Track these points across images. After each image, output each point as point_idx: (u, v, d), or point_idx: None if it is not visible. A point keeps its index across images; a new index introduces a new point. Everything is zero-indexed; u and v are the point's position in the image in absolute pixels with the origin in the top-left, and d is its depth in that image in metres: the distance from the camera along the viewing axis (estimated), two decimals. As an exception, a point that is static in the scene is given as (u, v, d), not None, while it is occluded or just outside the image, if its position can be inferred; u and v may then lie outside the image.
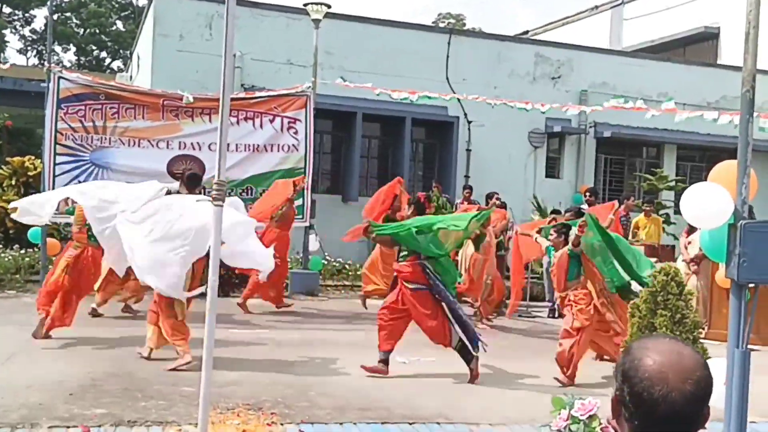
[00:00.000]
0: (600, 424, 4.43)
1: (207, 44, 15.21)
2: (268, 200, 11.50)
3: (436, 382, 7.53)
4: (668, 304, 6.39)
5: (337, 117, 16.69)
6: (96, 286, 9.54)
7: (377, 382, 7.33)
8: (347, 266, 14.59)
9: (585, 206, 12.59)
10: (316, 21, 13.14)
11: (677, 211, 13.37)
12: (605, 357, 8.51)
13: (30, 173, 14.96)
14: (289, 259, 13.80)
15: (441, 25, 41.60)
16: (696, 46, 24.95)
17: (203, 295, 5.76)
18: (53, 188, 11.17)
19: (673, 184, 17.13)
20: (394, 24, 17.68)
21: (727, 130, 13.55)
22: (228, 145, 6.08)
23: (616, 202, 11.14)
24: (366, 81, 14.59)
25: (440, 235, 7.50)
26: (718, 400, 4.44)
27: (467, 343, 7.40)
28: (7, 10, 44.87)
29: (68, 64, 42.68)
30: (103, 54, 47.58)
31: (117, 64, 45.17)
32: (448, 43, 17.54)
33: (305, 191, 12.16)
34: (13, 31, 46.39)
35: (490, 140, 17.52)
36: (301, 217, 11.95)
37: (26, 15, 46.16)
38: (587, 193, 13.01)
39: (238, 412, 6.01)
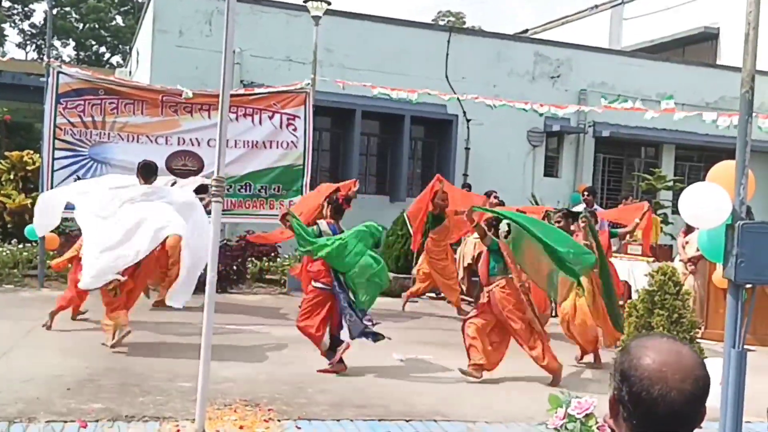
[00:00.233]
0: (596, 422, 4.45)
1: (206, 40, 15.19)
2: (311, 201, 11.53)
3: (433, 380, 7.54)
4: (665, 304, 6.40)
5: (336, 114, 16.69)
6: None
7: (375, 380, 7.35)
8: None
9: (581, 206, 12.60)
10: (316, 18, 13.13)
11: (675, 211, 13.38)
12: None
13: (29, 168, 14.94)
14: (286, 256, 13.84)
15: (441, 23, 41.58)
16: (695, 47, 24.96)
17: (202, 290, 5.76)
18: (52, 183, 11.17)
19: (671, 184, 17.15)
20: (394, 22, 17.66)
21: (725, 131, 13.56)
22: (227, 141, 6.10)
23: (646, 203, 10.98)
24: (365, 78, 14.58)
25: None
26: (713, 400, 4.46)
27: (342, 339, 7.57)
28: (6, 3, 44.77)
29: (67, 59, 42.61)
30: (103, 49, 47.52)
31: (116, 59, 45.16)
32: (448, 42, 17.54)
33: (304, 189, 12.15)
34: (13, 25, 46.31)
35: (489, 139, 17.53)
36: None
37: (25, 9, 46.07)
38: (585, 193, 13.02)
39: (235, 408, 6.02)
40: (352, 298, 7.60)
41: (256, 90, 12.93)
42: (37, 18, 46.58)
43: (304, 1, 13.41)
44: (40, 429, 5.30)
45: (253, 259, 13.21)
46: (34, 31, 46.69)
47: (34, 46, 46.92)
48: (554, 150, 18.87)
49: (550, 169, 18.74)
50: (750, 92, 4.60)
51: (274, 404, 6.21)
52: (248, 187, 12.03)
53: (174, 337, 8.60)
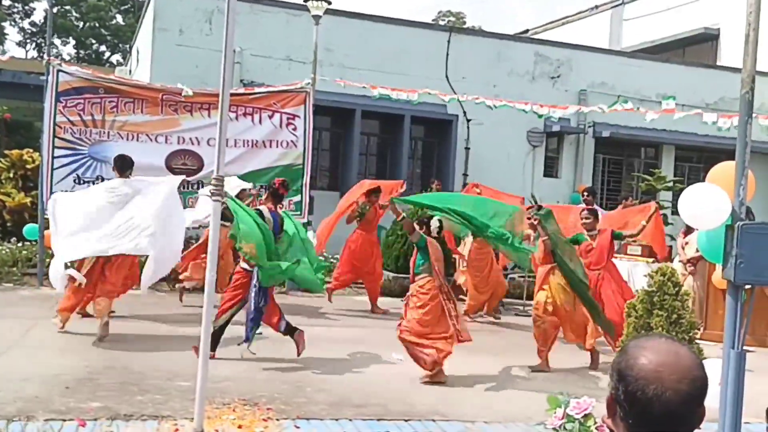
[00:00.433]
0: (595, 423, 4.45)
1: (207, 39, 15.19)
2: (350, 196, 11.70)
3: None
4: (665, 305, 6.41)
5: (336, 114, 16.69)
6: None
7: (374, 379, 7.34)
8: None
9: (581, 206, 12.57)
10: (317, 17, 13.13)
11: (675, 212, 13.37)
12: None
13: (28, 166, 14.94)
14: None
15: (441, 23, 41.58)
16: (696, 47, 24.97)
17: (201, 290, 5.76)
18: (51, 182, 11.15)
19: (671, 184, 17.15)
20: (394, 21, 17.66)
21: (725, 132, 13.56)
22: (227, 140, 6.10)
23: (653, 204, 10.65)
24: (365, 78, 14.58)
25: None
26: (712, 401, 4.46)
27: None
28: (6, 2, 44.78)
29: (67, 58, 42.64)
30: (103, 47, 47.53)
31: (116, 57, 45.14)
32: (448, 41, 17.55)
33: (303, 188, 12.16)
34: (13, 23, 46.31)
35: (489, 139, 17.54)
36: (299, 213, 11.94)
37: (26, 7, 46.07)
38: (585, 193, 13.00)
39: (234, 407, 6.02)
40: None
41: (256, 89, 12.92)
42: (38, 16, 46.65)
43: (304, 1, 13.41)
44: (38, 427, 5.30)
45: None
46: (34, 29, 46.71)
47: (34, 44, 46.95)
48: (554, 150, 18.88)
49: (550, 169, 18.75)
50: (750, 93, 4.60)
51: (273, 403, 6.21)
52: (247, 187, 12.01)
53: (173, 336, 8.59)
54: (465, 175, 17.36)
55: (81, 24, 45.85)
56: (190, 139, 11.72)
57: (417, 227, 7.57)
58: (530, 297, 12.68)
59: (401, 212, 7.85)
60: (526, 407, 6.45)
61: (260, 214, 7.67)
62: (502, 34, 20.01)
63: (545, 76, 18.34)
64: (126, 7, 45.89)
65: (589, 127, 18.66)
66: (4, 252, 12.63)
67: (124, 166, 8.81)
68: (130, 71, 20.73)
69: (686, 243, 11.10)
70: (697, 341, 6.63)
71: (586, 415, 4.52)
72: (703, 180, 5.14)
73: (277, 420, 5.80)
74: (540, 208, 8.57)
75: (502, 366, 8.06)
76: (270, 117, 12.15)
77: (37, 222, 11.89)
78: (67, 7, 44.55)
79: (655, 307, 6.43)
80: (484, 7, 66.71)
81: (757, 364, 7.87)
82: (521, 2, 70.39)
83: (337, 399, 6.52)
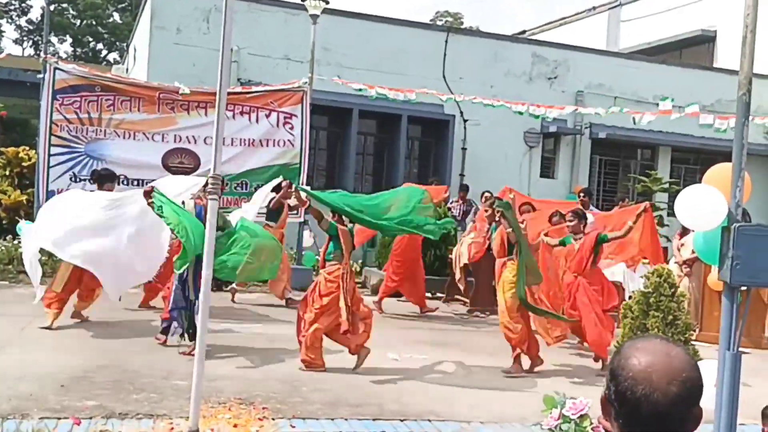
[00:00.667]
0: (591, 423, 4.45)
1: (204, 38, 15.17)
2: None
3: (428, 380, 7.54)
4: (660, 306, 6.42)
5: (333, 113, 16.69)
6: None
7: (370, 379, 7.34)
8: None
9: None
10: (314, 17, 13.12)
11: (671, 213, 13.42)
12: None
13: (24, 164, 14.92)
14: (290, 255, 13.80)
15: (439, 23, 41.59)
16: (693, 49, 25.00)
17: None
18: (47, 179, 11.13)
19: (667, 186, 17.17)
20: (392, 21, 17.66)
21: (721, 133, 13.58)
22: (223, 139, 6.09)
23: (646, 204, 10.45)
24: (363, 78, 14.58)
25: None
26: (708, 402, 4.46)
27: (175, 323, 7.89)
28: (3, -1, 44.73)
29: (64, 55, 42.55)
30: (100, 46, 47.46)
31: (113, 56, 45.06)
32: (446, 42, 17.55)
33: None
34: (9, 20, 46.23)
35: (486, 139, 17.55)
36: (295, 213, 11.93)
37: (23, 5, 46.01)
38: (581, 194, 13.01)
39: (229, 406, 6.01)
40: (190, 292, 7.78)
41: (254, 88, 12.91)
42: (35, 14, 46.65)
43: (302, 0, 13.40)
44: (33, 426, 5.28)
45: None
46: (31, 27, 46.63)
47: (31, 42, 46.87)
48: (551, 151, 18.89)
49: (547, 170, 18.76)
50: (747, 95, 4.60)
51: (269, 403, 6.20)
52: (245, 185, 12.01)
53: (169, 335, 8.57)
54: (462, 175, 17.37)
55: (78, 22, 45.77)
56: (187, 137, 11.71)
57: (328, 216, 7.71)
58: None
59: (307, 201, 7.96)
60: (522, 407, 6.46)
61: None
62: (500, 35, 20.02)
63: (542, 76, 18.35)
64: (123, 5, 45.81)
65: (586, 128, 18.67)
66: (-1, 250, 12.61)
67: (102, 180, 9.11)
68: (127, 69, 20.70)
69: (682, 244, 11.13)
70: (692, 342, 6.64)
71: (582, 416, 4.52)
72: (700, 182, 5.14)
73: (273, 419, 5.80)
74: (499, 199, 8.57)
75: (497, 366, 8.06)
76: (267, 116, 12.14)
77: (33, 220, 11.85)
78: (64, 5, 44.49)
79: (651, 309, 6.45)
80: (482, 7, 66.77)
81: (752, 366, 7.89)
82: (519, 3, 70.46)
83: (333, 398, 6.52)
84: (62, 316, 8.94)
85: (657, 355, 1.62)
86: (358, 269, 14.13)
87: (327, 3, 13.24)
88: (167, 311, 8.04)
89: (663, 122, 15.61)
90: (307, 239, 13.36)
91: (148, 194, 7.85)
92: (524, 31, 29.33)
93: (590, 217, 9.12)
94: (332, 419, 5.95)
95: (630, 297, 8.06)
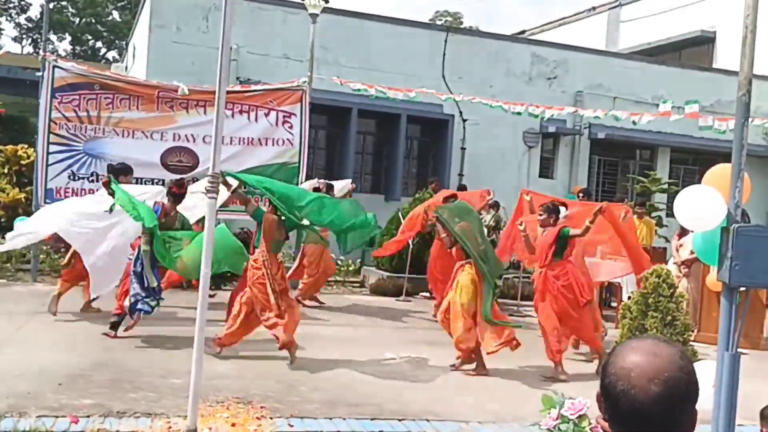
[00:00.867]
0: (589, 423, 4.45)
1: (203, 36, 15.16)
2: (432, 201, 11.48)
3: (427, 379, 7.54)
4: (659, 306, 6.43)
5: (332, 112, 16.67)
6: None
7: (368, 378, 7.34)
8: (339, 262, 14.57)
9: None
10: (314, 16, 13.11)
11: (669, 214, 13.41)
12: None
13: (23, 162, 14.90)
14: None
15: (438, 22, 41.58)
16: (692, 50, 25.01)
17: (195, 287, 5.75)
18: (46, 178, 11.13)
19: (666, 186, 17.18)
20: (391, 21, 17.65)
21: (720, 134, 13.59)
22: (223, 138, 6.08)
23: (628, 208, 10.37)
24: (362, 77, 14.58)
25: None
26: (706, 403, 4.47)
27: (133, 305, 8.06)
28: (2, -3, 44.66)
29: (63, 53, 42.52)
30: (99, 44, 47.41)
31: (112, 54, 45.04)
32: (445, 41, 17.54)
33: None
34: (9, 18, 46.17)
35: (485, 139, 17.54)
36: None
37: (22, 3, 45.97)
38: (580, 194, 13.02)
39: (227, 405, 6.01)
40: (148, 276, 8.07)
41: (253, 87, 12.89)
42: (34, 12, 46.56)
43: (301, -1, 13.40)
44: (30, 424, 5.28)
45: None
46: (30, 24, 46.56)
47: (30, 40, 46.82)
48: (549, 151, 18.89)
49: (546, 170, 18.76)
50: (747, 96, 4.61)
51: (267, 402, 6.20)
52: (242, 184, 11.98)
53: (166, 334, 8.57)
54: (461, 175, 17.36)
55: (77, 20, 45.73)
56: (186, 136, 11.69)
57: (254, 201, 8.06)
58: (524, 297, 12.73)
59: (232, 185, 8.08)
60: (520, 407, 6.46)
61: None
62: (499, 35, 20.02)
63: (542, 76, 18.35)
64: (122, 3, 45.76)
65: (585, 128, 18.66)
66: (-3, 248, 12.58)
67: (117, 173, 9.20)
68: (126, 68, 20.68)
69: (681, 245, 11.13)
70: (691, 343, 6.65)
71: (580, 416, 4.51)
72: (699, 182, 5.14)
73: (271, 418, 5.79)
74: (448, 199, 8.53)
75: (496, 365, 8.05)
76: (266, 115, 12.13)
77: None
78: (64, 3, 44.45)
79: (649, 309, 6.46)
80: (482, 7, 66.78)
81: (749, 367, 7.89)
82: (518, 3, 70.48)
83: (331, 398, 6.52)
84: (63, 317, 8.94)
85: (643, 353, 1.63)
86: (356, 268, 14.14)
87: (327, 2, 13.24)
88: (120, 306, 8.29)
89: (662, 123, 15.62)
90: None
91: (107, 185, 8.34)
92: (524, 31, 29.33)
93: (563, 211, 8.94)
94: (330, 419, 5.95)
95: (629, 297, 8.02)
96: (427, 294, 12.52)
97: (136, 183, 10.50)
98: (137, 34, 18.95)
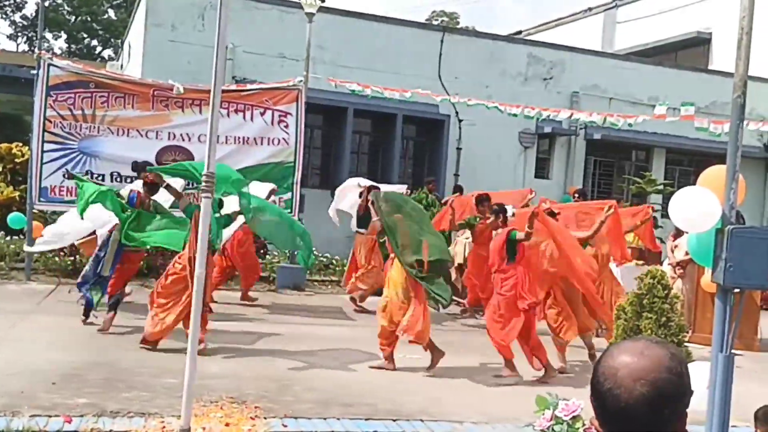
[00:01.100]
0: (583, 425, 4.45)
1: (199, 35, 15.13)
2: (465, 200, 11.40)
3: (421, 379, 7.53)
4: (654, 307, 6.43)
5: (328, 112, 16.66)
6: None
7: (362, 378, 7.33)
8: (334, 261, 14.57)
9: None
10: (310, 15, 13.10)
11: (665, 215, 13.42)
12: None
13: (17, 160, 14.85)
14: (275, 253, 13.79)
15: (434, 22, 41.58)
16: (688, 51, 25.05)
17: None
18: (40, 176, 11.11)
19: (661, 187, 17.20)
20: (387, 20, 17.64)
21: (716, 136, 13.60)
22: (218, 137, 6.07)
23: (612, 203, 10.26)
24: (358, 77, 14.57)
25: None
26: (700, 404, 4.46)
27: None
28: (-3, -5, 44.55)
29: (59, 52, 42.38)
30: (94, 42, 47.28)
31: (108, 52, 44.93)
32: (441, 41, 17.53)
33: (294, 186, 12.12)
34: (4, 16, 46.05)
35: (481, 139, 17.54)
36: (289, 211, 11.91)
37: (17, 1, 45.80)
38: (576, 195, 13.02)
39: (221, 405, 5.99)
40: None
41: (249, 86, 12.88)
42: (29, 10, 46.36)
43: (297, -2, 13.38)
44: (24, 423, 5.26)
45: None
46: (25, 22, 46.43)
47: (25, 38, 46.68)
48: (545, 152, 18.89)
49: (541, 170, 18.77)
50: (742, 97, 4.61)
51: (261, 402, 6.19)
52: (238, 183, 11.97)
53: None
54: (456, 175, 17.36)
55: (73, 18, 45.61)
56: (181, 135, 11.68)
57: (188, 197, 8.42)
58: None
59: (166, 181, 8.41)
60: (515, 408, 6.45)
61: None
62: (496, 35, 20.01)
63: (538, 77, 18.36)
64: (118, 1, 45.65)
65: (581, 129, 18.67)
66: (-9, 246, 12.56)
67: (139, 170, 9.22)
68: (122, 66, 20.63)
69: (676, 246, 11.13)
70: (685, 344, 6.65)
71: (574, 417, 4.51)
72: (694, 183, 5.14)
73: (265, 418, 5.78)
74: (480, 198, 8.50)
75: (490, 366, 8.06)
76: (262, 114, 12.12)
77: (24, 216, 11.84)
78: (59, 1, 44.32)
79: (644, 310, 6.46)
80: (478, 7, 66.80)
81: (744, 368, 7.91)
82: (515, 3, 70.53)
83: (325, 398, 6.51)
84: (60, 318, 8.92)
85: (632, 354, 1.63)
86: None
87: (323, 1, 13.23)
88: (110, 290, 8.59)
89: (658, 124, 15.64)
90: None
91: (72, 176, 9.03)
92: (520, 32, 29.33)
93: (509, 210, 8.96)
94: (324, 419, 5.94)
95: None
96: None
97: (130, 182, 10.48)
98: (133, 33, 18.91)
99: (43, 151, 11.19)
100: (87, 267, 8.82)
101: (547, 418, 4.62)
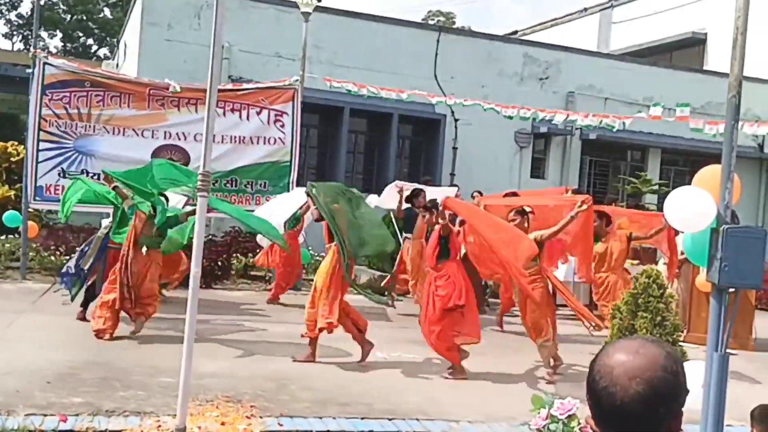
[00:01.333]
0: (579, 423, 4.45)
1: (195, 34, 15.12)
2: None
3: (417, 379, 7.54)
4: (649, 307, 6.44)
5: (324, 111, 16.65)
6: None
7: (358, 377, 7.33)
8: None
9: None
10: (306, 14, 13.09)
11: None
12: None
13: (13, 159, 14.82)
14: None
15: (431, 22, 41.59)
16: (683, 52, 25.11)
17: (186, 285, 5.74)
18: (36, 175, 11.10)
19: (656, 187, 17.24)
20: (383, 20, 17.64)
21: (711, 136, 13.62)
22: (214, 136, 6.07)
23: (586, 197, 10.13)
24: (354, 76, 14.56)
25: None
26: (695, 403, 4.48)
27: None
28: (-7, -7, 44.40)
29: (54, 51, 42.27)
30: (90, 41, 47.20)
31: (103, 51, 44.85)
32: (437, 41, 17.54)
33: (290, 185, 12.12)
34: (-1, 15, 45.91)
35: (477, 139, 17.55)
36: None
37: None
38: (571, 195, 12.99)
39: (217, 404, 5.99)
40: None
41: (245, 85, 12.88)
42: (25, 8, 46.26)
43: (293, -3, 13.36)
44: (19, 422, 5.24)
45: (238, 255, 13.16)
46: (21, 21, 46.29)
47: (20, 36, 46.55)
48: (541, 152, 18.92)
49: (537, 170, 18.79)
50: (737, 97, 4.62)
51: (257, 401, 6.18)
52: (234, 182, 11.99)
53: (156, 332, 8.55)
54: (452, 174, 17.37)
55: (68, 17, 45.51)
56: (177, 134, 11.68)
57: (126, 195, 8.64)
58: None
59: (115, 182, 8.72)
60: (510, 407, 6.46)
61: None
62: (492, 35, 20.03)
63: (534, 77, 18.38)
64: (114, 0, 45.57)
65: (576, 129, 18.70)
66: (-14, 245, 12.53)
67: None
68: (117, 65, 20.60)
69: (671, 245, 11.14)
70: (680, 343, 6.66)
71: (569, 416, 4.52)
72: (689, 183, 5.16)
73: (261, 417, 5.78)
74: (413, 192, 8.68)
75: (485, 365, 8.06)
76: (258, 113, 12.13)
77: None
78: (55, 0, 44.22)
79: (639, 309, 6.47)
80: (474, 7, 66.86)
81: (738, 367, 7.94)
82: (511, 3, 70.60)
83: (322, 397, 6.51)
84: (56, 317, 8.90)
85: (628, 352, 1.63)
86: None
87: (319, 1, 13.22)
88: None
89: (653, 124, 15.67)
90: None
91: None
92: (516, 32, 29.36)
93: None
94: (320, 418, 5.94)
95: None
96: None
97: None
98: (129, 32, 18.88)
99: (38, 150, 11.18)
100: (73, 258, 9.11)
101: (542, 417, 4.62)
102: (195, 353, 5.30)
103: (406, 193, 11.28)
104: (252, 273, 13.18)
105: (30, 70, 11.46)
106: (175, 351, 6.72)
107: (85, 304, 8.91)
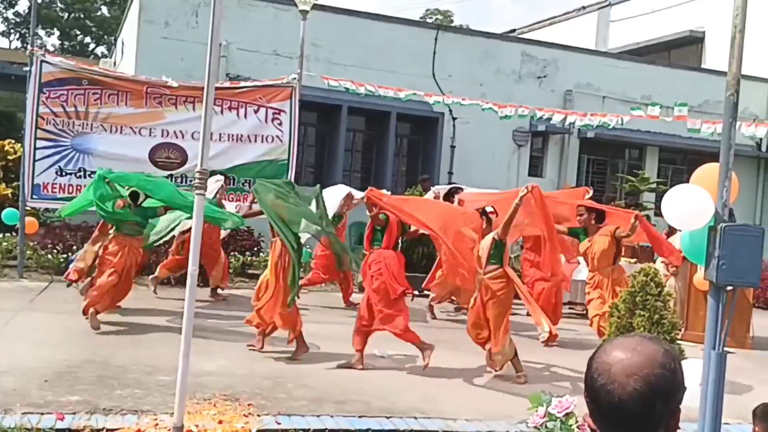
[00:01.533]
0: (576, 421, 4.46)
1: (193, 32, 15.09)
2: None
3: (414, 377, 7.53)
4: (647, 305, 6.44)
5: (322, 110, 16.64)
6: None
7: (355, 376, 7.33)
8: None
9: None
10: (304, 12, 13.07)
11: (658, 213, 13.44)
12: None
13: (10, 157, 14.79)
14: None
15: (428, 20, 41.57)
16: (681, 50, 25.12)
17: (183, 283, 5.73)
18: (33, 173, 11.07)
19: (654, 185, 17.24)
20: (381, 18, 17.63)
21: (708, 135, 13.63)
22: (211, 134, 6.06)
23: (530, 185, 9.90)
24: (352, 74, 14.55)
25: None
26: (693, 401, 4.48)
27: None
28: (-10, -9, 44.31)
29: (52, 49, 42.19)
30: (87, 39, 47.12)
31: (101, 49, 44.80)
32: (435, 39, 17.53)
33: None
34: (-4, 13, 45.81)
35: (475, 137, 17.55)
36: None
37: (10, -3, 45.57)
38: (569, 194, 13.00)
39: (214, 403, 5.99)
40: None
41: (242, 83, 12.86)
42: (22, 6, 46.16)
43: (291, -5, 13.34)
44: (16, 421, 5.24)
45: (236, 253, 13.15)
46: (18, 19, 46.20)
47: (18, 34, 46.46)
48: (539, 150, 18.92)
49: (535, 168, 18.79)
50: (735, 95, 4.62)
51: (254, 399, 6.18)
52: (232, 181, 11.96)
53: (154, 330, 8.55)
54: (450, 173, 17.37)
55: (66, 15, 45.44)
56: (175, 132, 11.66)
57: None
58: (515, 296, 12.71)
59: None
60: (508, 405, 6.47)
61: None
62: (490, 33, 20.03)
63: (532, 75, 18.38)
64: (111, -2, 45.52)
65: (574, 127, 18.69)
66: (-17, 244, 12.50)
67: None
68: (115, 63, 20.57)
69: (668, 244, 11.15)
70: (678, 341, 6.67)
71: (567, 414, 4.53)
72: (687, 181, 5.15)
73: (258, 416, 5.78)
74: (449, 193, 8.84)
75: (483, 364, 8.06)
76: (255, 111, 12.11)
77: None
78: (52, -2, 44.17)
79: (637, 308, 6.47)
80: (472, 5, 66.85)
81: (736, 365, 7.94)
82: (509, 2, 70.60)
83: (319, 395, 6.51)
84: (53, 315, 8.89)
85: (625, 350, 1.64)
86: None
87: (317, -1, 13.20)
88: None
89: (651, 122, 15.66)
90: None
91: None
92: (514, 30, 29.35)
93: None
94: (318, 416, 5.94)
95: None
96: (416, 292, 12.47)
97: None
98: (126, 30, 18.85)
99: (35, 148, 11.15)
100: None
101: (540, 415, 4.63)
102: (192, 352, 5.29)
103: (443, 192, 11.25)
104: (250, 271, 13.17)
105: (27, 68, 11.43)
106: (173, 349, 6.73)
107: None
